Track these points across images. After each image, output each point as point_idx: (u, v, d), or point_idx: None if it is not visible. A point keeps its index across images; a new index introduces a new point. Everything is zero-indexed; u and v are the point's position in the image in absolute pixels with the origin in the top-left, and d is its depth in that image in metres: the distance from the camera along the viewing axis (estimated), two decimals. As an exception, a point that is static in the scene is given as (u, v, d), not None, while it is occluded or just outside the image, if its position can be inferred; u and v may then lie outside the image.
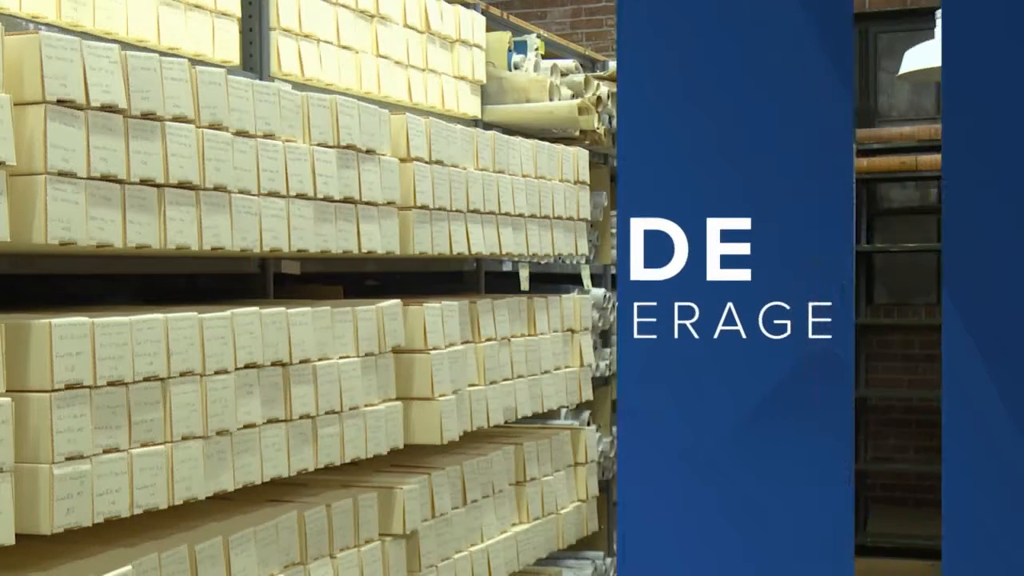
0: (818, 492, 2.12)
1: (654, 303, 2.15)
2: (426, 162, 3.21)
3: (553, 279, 4.55)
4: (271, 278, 3.08)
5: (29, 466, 2.05)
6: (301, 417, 2.69)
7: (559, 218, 3.93)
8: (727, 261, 2.14)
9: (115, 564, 2.18)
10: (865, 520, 7.71)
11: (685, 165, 2.17)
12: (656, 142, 2.20)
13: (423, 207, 3.19)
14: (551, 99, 4.16)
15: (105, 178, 2.20)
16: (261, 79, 2.94)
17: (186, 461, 2.34)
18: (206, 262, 2.90)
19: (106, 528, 2.24)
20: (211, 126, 2.47)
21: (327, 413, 2.78)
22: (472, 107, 3.90)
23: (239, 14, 2.91)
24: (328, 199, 2.82)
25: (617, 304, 2.27)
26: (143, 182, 2.28)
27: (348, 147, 2.89)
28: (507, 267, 4.13)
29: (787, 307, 2.12)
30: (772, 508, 2.14)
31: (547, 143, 3.92)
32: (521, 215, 3.68)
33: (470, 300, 3.46)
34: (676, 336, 2.14)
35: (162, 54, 2.38)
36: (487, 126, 3.97)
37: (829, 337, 2.11)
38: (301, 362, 2.70)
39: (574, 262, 4.60)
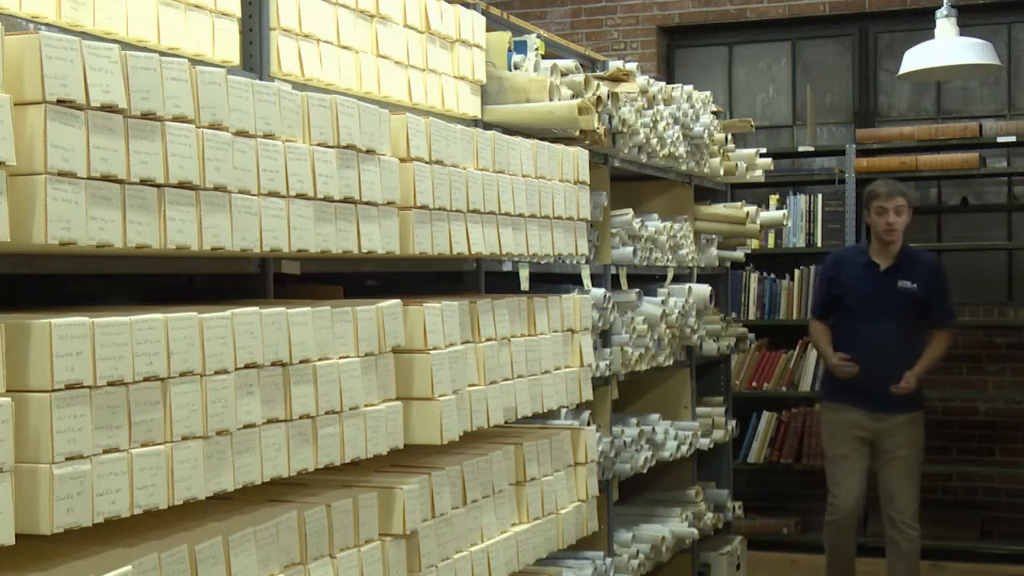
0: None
1: None
2: (426, 162, 3.21)
3: (553, 279, 4.55)
4: (271, 278, 3.08)
5: (29, 466, 2.05)
6: (301, 417, 2.69)
7: (559, 218, 3.93)
8: None
9: (115, 564, 2.18)
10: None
11: None
12: None
13: (423, 207, 3.19)
14: (551, 99, 4.16)
15: (105, 178, 2.20)
16: (261, 79, 2.94)
17: (186, 461, 2.34)
18: (206, 262, 2.90)
19: (106, 528, 2.24)
20: (211, 126, 2.47)
21: (327, 413, 2.78)
22: (472, 107, 3.90)
23: (239, 14, 2.91)
24: (328, 199, 2.82)
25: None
26: (143, 182, 2.28)
27: (348, 147, 2.89)
28: (507, 267, 4.13)
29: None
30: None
31: (547, 143, 3.92)
32: (521, 215, 3.68)
33: (470, 300, 3.46)
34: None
35: (162, 54, 2.38)
36: (487, 126, 3.97)
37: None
38: (301, 362, 2.70)
39: (574, 262, 4.61)
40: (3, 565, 2.14)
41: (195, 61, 2.66)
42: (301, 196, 2.72)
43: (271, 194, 2.63)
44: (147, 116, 2.30)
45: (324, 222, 2.80)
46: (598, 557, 4.47)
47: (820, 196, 8.04)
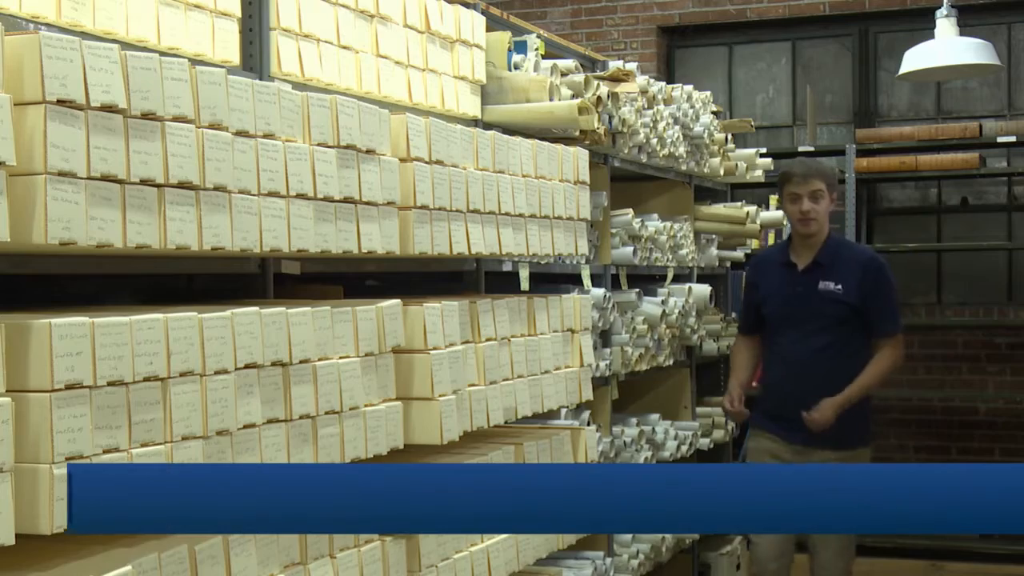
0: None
1: None
2: (426, 162, 3.21)
3: (553, 279, 4.55)
4: (271, 278, 3.08)
5: (29, 466, 2.05)
6: (301, 417, 2.69)
7: (559, 218, 3.93)
8: None
9: (115, 564, 2.18)
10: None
11: None
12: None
13: (423, 207, 3.19)
14: (551, 99, 4.16)
15: (105, 178, 2.20)
16: (261, 79, 2.94)
17: (186, 461, 2.34)
18: (206, 262, 2.90)
19: (106, 528, 2.24)
20: (211, 126, 2.47)
21: (327, 413, 2.78)
22: (472, 107, 3.90)
23: (239, 14, 2.91)
24: (328, 199, 2.82)
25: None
26: (143, 182, 2.28)
27: (348, 147, 2.89)
28: (507, 267, 4.13)
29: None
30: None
31: (547, 143, 3.92)
32: (521, 215, 3.68)
33: (470, 300, 3.46)
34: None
35: (162, 54, 2.38)
36: (487, 126, 3.97)
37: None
38: (301, 362, 2.70)
39: (574, 262, 4.61)
40: (3, 565, 2.14)
41: (195, 61, 2.66)
42: (301, 196, 2.72)
43: (271, 194, 2.63)
44: (147, 116, 2.30)
45: (324, 222, 2.80)
46: (598, 557, 4.46)
47: (820, 196, 8.02)
